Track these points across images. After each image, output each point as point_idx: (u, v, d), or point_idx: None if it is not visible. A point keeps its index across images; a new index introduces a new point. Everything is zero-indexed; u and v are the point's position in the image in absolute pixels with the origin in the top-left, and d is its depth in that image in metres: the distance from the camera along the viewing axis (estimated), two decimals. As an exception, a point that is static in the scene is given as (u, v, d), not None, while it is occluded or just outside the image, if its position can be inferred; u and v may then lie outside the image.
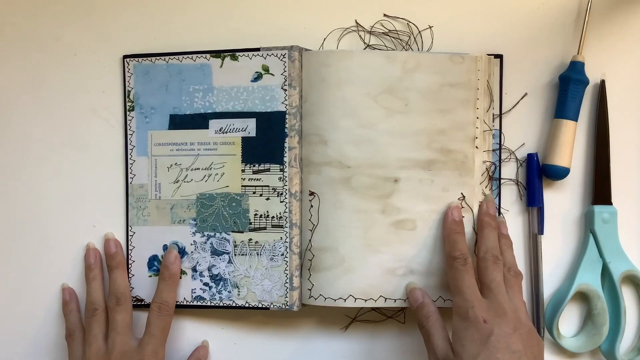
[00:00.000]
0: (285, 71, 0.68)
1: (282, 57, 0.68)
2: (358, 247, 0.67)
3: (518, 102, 0.69)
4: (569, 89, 0.66)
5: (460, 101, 0.66)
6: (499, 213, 0.68)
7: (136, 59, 0.70)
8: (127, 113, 0.71)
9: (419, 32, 0.69)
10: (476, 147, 0.67)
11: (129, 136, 0.71)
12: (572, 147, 0.67)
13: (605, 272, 0.67)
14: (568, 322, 0.69)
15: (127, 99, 0.71)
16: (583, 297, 0.68)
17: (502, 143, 0.68)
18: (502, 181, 0.68)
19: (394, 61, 0.67)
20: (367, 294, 0.67)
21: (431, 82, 0.66)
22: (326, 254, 0.67)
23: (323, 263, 0.67)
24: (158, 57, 0.70)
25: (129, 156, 0.71)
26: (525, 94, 0.69)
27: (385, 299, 0.67)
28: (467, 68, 0.66)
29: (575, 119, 0.66)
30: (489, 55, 0.68)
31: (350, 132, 0.66)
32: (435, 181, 0.66)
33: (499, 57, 0.68)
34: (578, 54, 0.67)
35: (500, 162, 0.68)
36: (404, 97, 0.66)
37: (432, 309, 0.63)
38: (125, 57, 0.71)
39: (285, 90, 0.68)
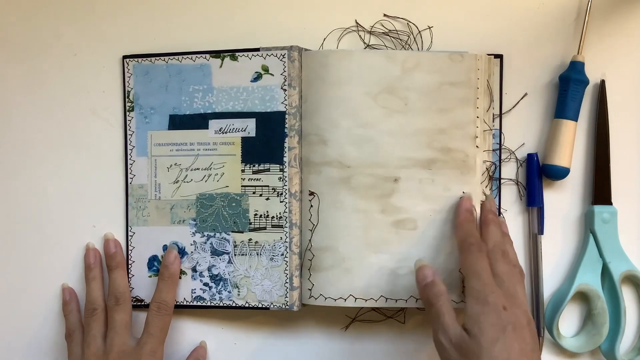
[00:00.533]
0: (285, 71, 0.68)
1: (281, 57, 0.68)
2: (358, 247, 0.66)
3: (518, 102, 0.69)
4: (569, 89, 0.66)
5: (460, 100, 0.66)
6: (499, 213, 0.68)
7: (136, 59, 0.70)
8: (127, 113, 0.71)
9: (419, 32, 0.69)
10: (477, 146, 0.66)
11: (128, 136, 0.71)
12: (572, 147, 0.66)
13: (605, 272, 0.67)
14: (568, 322, 0.69)
15: (126, 99, 0.71)
16: (583, 297, 0.68)
17: (502, 143, 0.68)
18: (502, 181, 0.68)
19: (393, 60, 0.66)
20: (368, 294, 0.66)
21: (431, 81, 0.66)
22: (326, 254, 0.67)
23: (323, 263, 0.67)
24: (158, 57, 0.70)
25: (129, 156, 0.71)
26: (525, 94, 0.69)
27: (386, 299, 0.66)
28: (467, 66, 0.66)
29: (575, 119, 0.66)
30: (489, 55, 0.67)
31: (349, 132, 0.66)
32: (436, 180, 0.66)
33: (499, 57, 0.68)
34: (578, 54, 0.66)
35: (500, 162, 0.68)
36: (403, 96, 0.66)
37: (442, 288, 0.60)
38: (124, 57, 0.71)
39: (285, 90, 0.68)
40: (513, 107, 0.69)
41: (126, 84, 0.71)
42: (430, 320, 0.59)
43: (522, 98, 0.69)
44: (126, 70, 0.71)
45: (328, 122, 0.67)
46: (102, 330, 0.67)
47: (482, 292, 0.57)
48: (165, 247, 0.70)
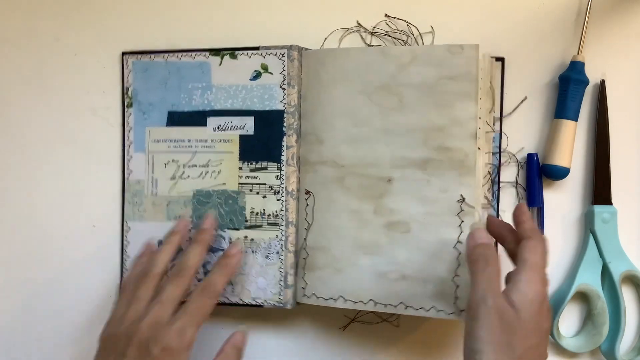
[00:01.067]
0: (284, 70, 0.67)
1: (281, 56, 0.68)
2: (349, 247, 0.65)
3: (517, 106, 0.68)
4: (569, 89, 0.66)
5: (459, 94, 0.62)
6: (497, 215, 0.67)
7: (135, 56, 0.70)
8: (125, 109, 0.70)
9: (419, 33, 0.69)
10: (478, 147, 0.63)
11: (126, 132, 0.70)
12: (572, 147, 0.66)
13: (605, 272, 0.66)
14: (568, 322, 0.68)
15: (125, 96, 0.70)
16: (583, 297, 0.68)
17: (501, 146, 0.67)
18: (501, 185, 0.68)
19: (388, 56, 0.65)
20: (358, 296, 0.65)
21: (427, 75, 0.63)
22: (319, 254, 0.66)
23: (316, 262, 0.66)
24: (157, 55, 0.70)
25: (127, 152, 0.70)
26: (525, 98, 0.68)
27: (376, 303, 0.64)
28: (467, 58, 0.62)
29: (575, 119, 0.66)
30: (491, 57, 0.66)
31: (344, 131, 0.65)
32: (432, 181, 0.63)
33: (501, 60, 0.68)
34: (578, 54, 0.66)
35: (499, 166, 0.67)
36: (398, 93, 0.64)
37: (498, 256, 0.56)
38: (124, 53, 0.71)
39: (284, 89, 0.67)
40: (513, 110, 0.68)
41: (125, 80, 0.71)
42: (477, 279, 0.54)
43: (521, 102, 0.68)
44: (125, 66, 0.70)
45: (324, 122, 0.66)
46: (150, 294, 0.61)
47: (542, 283, 0.54)
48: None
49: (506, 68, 0.68)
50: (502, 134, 0.68)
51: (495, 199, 0.68)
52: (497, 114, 0.68)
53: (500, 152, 0.68)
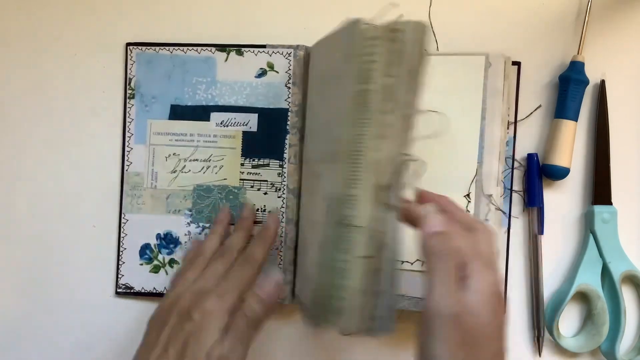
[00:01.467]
0: (289, 69, 0.68)
1: (287, 55, 0.68)
2: (302, 247, 0.64)
3: (531, 113, 0.68)
4: (569, 89, 0.66)
5: (355, 76, 0.52)
6: (509, 221, 0.67)
7: (139, 47, 0.71)
8: (127, 100, 0.70)
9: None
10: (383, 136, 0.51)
11: (127, 124, 0.70)
12: (572, 147, 0.66)
13: (605, 272, 0.66)
14: (568, 322, 0.68)
15: (127, 87, 0.70)
16: (583, 297, 0.67)
17: (515, 152, 0.68)
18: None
19: (337, 45, 0.56)
20: (304, 298, 0.61)
21: (342, 57, 0.54)
22: (299, 251, 0.66)
23: (298, 260, 0.66)
24: (162, 47, 0.70)
25: (127, 144, 0.70)
26: (539, 106, 0.68)
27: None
28: (349, 34, 0.52)
29: (575, 119, 0.66)
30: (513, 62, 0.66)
31: (318, 129, 0.63)
32: (325, 176, 0.56)
33: (517, 64, 0.67)
34: (578, 54, 0.67)
35: (512, 170, 0.67)
36: (335, 82, 0.56)
37: None
38: (128, 44, 0.71)
39: (289, 88, 0.68)
40: (527, 117, 0.68)
41: (128, 71, 0.70)
42: (433, 282, 0.47)
43: (535, 109, 0.69)
44: (129, 57, 0.71)
45: (310, 119, 0.65)
46: (197, 275, 0.60)
47: (491, 267, 0.49)
48: (158, 236, 0.69)
49: (507, 68, 0.68)
50: (513, 137, 0.68)
51: (508, 204, 0.67)
52: (512, 119, 0.68)
53: (513, 157, 0.67)
